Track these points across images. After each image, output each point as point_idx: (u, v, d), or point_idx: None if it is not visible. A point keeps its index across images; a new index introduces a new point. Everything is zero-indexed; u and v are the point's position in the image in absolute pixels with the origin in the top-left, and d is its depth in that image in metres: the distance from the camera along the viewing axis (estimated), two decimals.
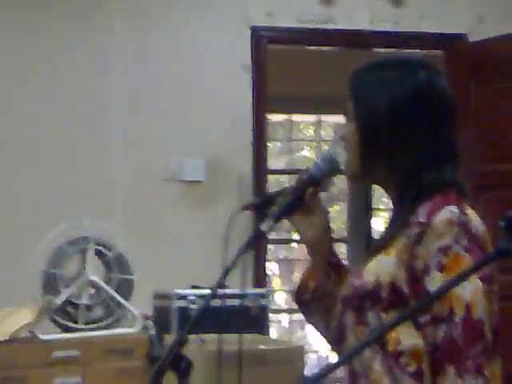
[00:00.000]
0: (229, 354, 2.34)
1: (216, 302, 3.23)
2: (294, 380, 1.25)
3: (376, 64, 1.76)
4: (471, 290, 1.58)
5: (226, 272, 1.74)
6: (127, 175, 4.24)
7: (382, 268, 1.65)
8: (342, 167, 1.79)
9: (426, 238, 1.61)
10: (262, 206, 1.85)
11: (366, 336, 1.65)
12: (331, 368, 1.31)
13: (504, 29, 4.49)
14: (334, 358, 7.58)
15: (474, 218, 1.63)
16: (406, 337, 1.62)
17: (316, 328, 1.89)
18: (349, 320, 1.70)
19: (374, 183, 1.80)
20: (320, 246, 1.80)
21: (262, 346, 2.57)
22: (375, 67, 1.75)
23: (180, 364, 1.71)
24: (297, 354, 2.55)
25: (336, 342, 1.81)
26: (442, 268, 1.59)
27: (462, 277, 1.42)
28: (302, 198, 1.78)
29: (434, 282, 1.59)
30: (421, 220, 1.63)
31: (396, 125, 1.69)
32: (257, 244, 4.22)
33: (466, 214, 1.63)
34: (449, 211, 1.62)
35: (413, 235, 1.63)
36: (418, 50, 4.61)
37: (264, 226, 1.74)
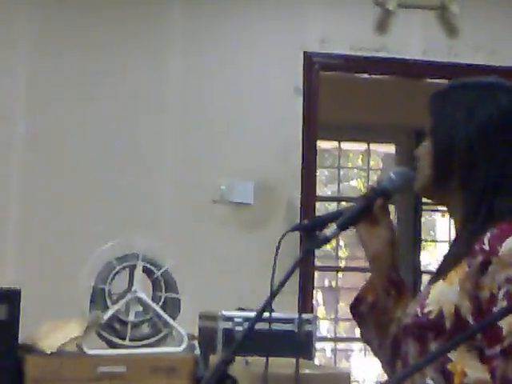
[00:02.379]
0: (273, 376, 2.35)
1: (262, 325, 3.24)
2: None
3: (458, 84, 1.76)
4: None
5: (275, 293, 1.73)
6: (177, 194, 4.28)
7: (444, 297, 1.62)
8: (414, 184, 1.78)
9: (491, 268, 1.58)
10: (312, 227, 1.86)
11: (429, 368, 1.61)
12: None
13: None
14: None
15: None
16: (472, 370, 1.59)
17: (369, 344, 1.87)
18: (411, 350, 1.67)
19: (442, 202, 1.78)
20: (382, 260, 1.77)
21: (307, 371, 2.57)
22: (457, 87, 1.75)
23: (225, 382, 1.73)
24: (342, 379, 2.54)
25: (388, 362, 1.80)
26: (511, 299, 1.55)
27: None
28: (371, 208, 1.76)
29: None
30: (485, 248, 1.60)
31: (473, 146, 1.68)
32: (304, 268, 4.23)
33: None
34: None
35: (476, 264, 1.59)
36: None
37: (329, 232, 1.72)
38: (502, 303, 1.56)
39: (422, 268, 6.58)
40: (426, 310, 1.64)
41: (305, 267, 4.19)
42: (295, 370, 1.96)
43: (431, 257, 7.57)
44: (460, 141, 1.68)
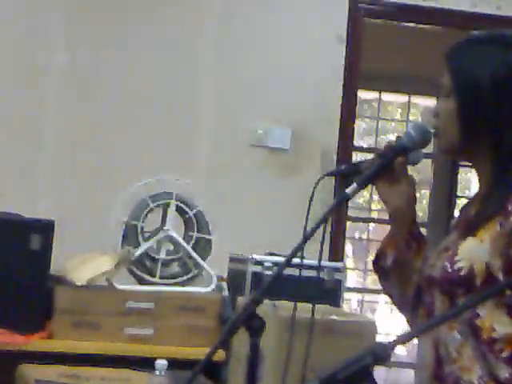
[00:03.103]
0: (301, 321, 2.36)
1: (292, 271, 3.25)
2: (366, 347, 1.26)
3: (475, 39, 1.75)
4: None
5: (305, 239, 1.73)
6: (214, 136, 4.27)
7: (475, 254, 1.64)
8: (433, 139, 1.77)
9: None
10: (348, 173, 1.83)
11: (457, 322, 1.65)
12: (404, 337, 1.31)
13: None
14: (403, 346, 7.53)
15: None
16: (501, 325, 1.63)
17: (390, 295, 1.90)
18: (439, 304, 1.70)
19: (468, 160, 1.78)
20: (403, 215, 1.80)
21: (335, 317, 2.58)
22: (475, 42, 1.74)
23: (253, 322, 1.73)
24: (369, 328, 2.55)
25: (410, 311, 1.83)
26: None
27: None
28: (390, 165, 1.76)
29: None
30: None
31: (500, 100, 1.67)
32: (336, 216, 4.22)
33: None
34: None
35: (510, 224, 1.61)
36: None
37: (349, 190, 1.73)
38: None
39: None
40: (456, 267, 1.66)
41: (337, 215, 4.17)
42: (311, 314, 1.96)
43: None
44: (488, 100, 1.67)
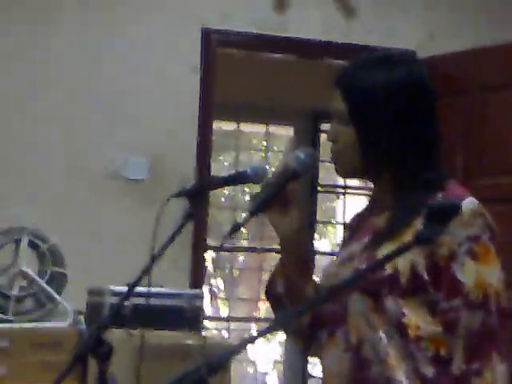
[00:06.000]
0: (153, 347, 2.36)
1: (153, 301, 3.24)
2: (202, 362, 1.26)
3: (362, 62, 1.77)
4: (498, 278, 1.66)
5: (153, 261, 1.77)
6: (69, 168, 4.21)
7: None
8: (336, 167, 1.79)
9: (451, 226, 1.58)
10: (196, 192, 1.85)
11: (382, 323, 1.68)
12: (242, 344, 1.32)
13: (453, 46, 4.55)
14: (273, 374, 7.57)
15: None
16: (424, 323, 1.66)
17: (285, 327, 1.87)
18: (360, 306, 1.70)
19: (368, 179, 1.81)
20: (293, 242, 1.78)
21: (189, 341, 2.58)
22: (362, 64, 1.76)
23: (101, 349, 1.71)
24: (224, 348, 2.55)
25: (305, 339, 1.84)
26: (474, 256, 1.65)
27: (383, 261, 1.51)
28: (282, 193, 1.74)
29: (467, 268, 1.64)
30: None
31: (398, 125, 1.71)
32: (195, 244, 4.22)
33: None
34: (471, 202, 1.67)
35: None
36: None
37: (241, 219, 1.70)
38: (464, 259, 1.64)
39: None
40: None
41: (196, 241, 4.17)
42: (141, 339, 1.95)
43: (331, 239, 7.67)
44: (385, 122, 1.71)
